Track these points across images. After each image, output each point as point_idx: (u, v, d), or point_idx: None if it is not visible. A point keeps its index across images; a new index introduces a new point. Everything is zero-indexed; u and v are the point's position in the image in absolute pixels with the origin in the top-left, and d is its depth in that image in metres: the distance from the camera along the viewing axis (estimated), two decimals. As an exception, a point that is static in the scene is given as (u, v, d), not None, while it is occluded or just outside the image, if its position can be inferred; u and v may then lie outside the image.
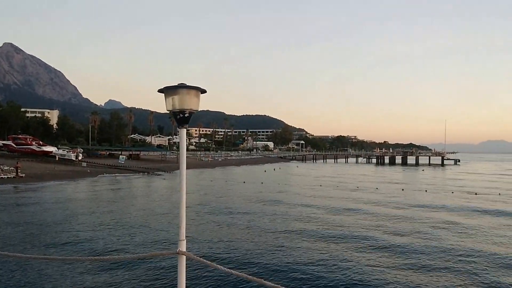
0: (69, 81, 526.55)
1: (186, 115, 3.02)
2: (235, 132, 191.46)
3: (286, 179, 51.13)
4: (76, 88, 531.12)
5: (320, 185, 42.08)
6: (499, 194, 35.70)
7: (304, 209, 25.34)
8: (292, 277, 12.30)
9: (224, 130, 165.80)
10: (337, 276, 12.13)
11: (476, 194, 35.45)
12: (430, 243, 16.33)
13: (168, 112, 3.15)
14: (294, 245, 16.10)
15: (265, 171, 67.36)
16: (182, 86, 3.00)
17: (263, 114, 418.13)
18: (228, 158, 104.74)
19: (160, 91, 3.11)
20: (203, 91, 3.13)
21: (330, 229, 19.34)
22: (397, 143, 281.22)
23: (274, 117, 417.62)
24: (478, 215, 23.85)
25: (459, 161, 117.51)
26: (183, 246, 2.90)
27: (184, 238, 2.94)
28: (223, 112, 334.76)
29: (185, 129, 3.11)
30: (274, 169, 71.94)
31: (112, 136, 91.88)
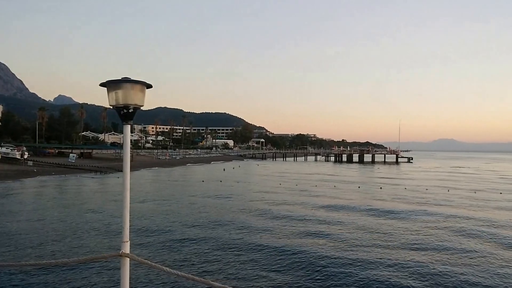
0: (14, 74, 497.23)
1: (130, 111, 2.90)
2: (194, 130, 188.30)
3: (245, 178, 50.23)
4: (22, 82, 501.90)
5: (280, 184, 41.53)
6: (448, 190, 36.89)
7: (258, 205, 24.61)
8: (239, 277, 11.61)
9: (182, 127, 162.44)
10: (285, 274, 11.37)
11: (426, 189, 36.29)
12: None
13: (111, 107, 2.95)
14: (242, 243, 15.38)
15: (224, 169, 66.29)
16: (126, 80, 2.86)
17: (223, 112, 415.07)
18: (187, 156, 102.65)
19: (102, 85, 2.95)
20: (149, 86, 3.00)
21: (281, 224, 18.86)
22: (355, 141, 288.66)
23: (234, 115, 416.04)
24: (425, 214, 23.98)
25: (412, 159, 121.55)
26: (126, 248, 2.80)
27: (128, 240, 2.84)
28: (181, 110, 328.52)
29: (129, 126, 2.98)
30: (234, 168, 70.94)
31: (62, 133, 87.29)
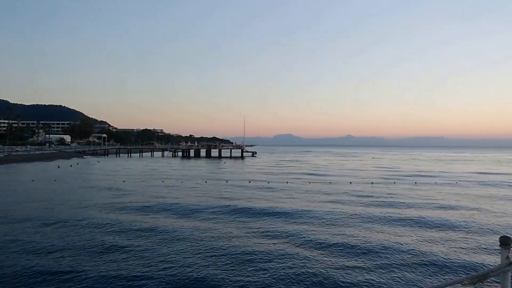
0: None
1: None
2: (23, 124, 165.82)
3: (82, 176, 45.85)
4: None
5: (124, 181, 39.08)
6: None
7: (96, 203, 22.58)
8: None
9: (8, 121, 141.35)
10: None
11: (268, 182, 38.85)
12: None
13: None
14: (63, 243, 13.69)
15: (58, 167, 59.91)
16: None
17: (58, 104, 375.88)
18: (14, 153, 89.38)
19: None
20: None
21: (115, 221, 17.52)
22: (202, 137, 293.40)
23: (72, 108, 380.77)
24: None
25: (256, 153, 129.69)
26: None
27: None
28: (7, 101, 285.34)
29: None
30: (71, 165, 64.56)
31: None
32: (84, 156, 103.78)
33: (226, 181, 39.60)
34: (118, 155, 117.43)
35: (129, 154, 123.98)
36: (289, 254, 13.41)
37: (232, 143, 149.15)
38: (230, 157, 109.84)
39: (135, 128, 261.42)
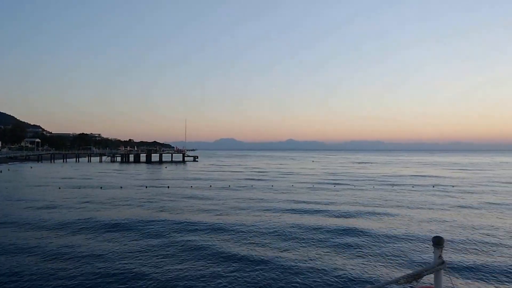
0: None
1: None
2: None
3: (15, 185, 44.09)
4: None
5: (59, 188, 38.21)
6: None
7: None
8: None
9: None
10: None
11: (210, 186, 39.81)
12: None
13: None
14: None
15: (-14, 174, 56.74)
16: None
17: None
18: None
19: None
20: None
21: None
22: (142, 141, 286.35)
23: (2, 111, 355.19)
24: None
25: (197, 157, 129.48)
26: None
27: None
28: None
29: None
30: (1, 171, 61.28)
31: None
32: (16, 162, 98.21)
33: (168, 187, 40.02)
34: (52, 161, 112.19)
35: (65, 160, 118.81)
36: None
37: (173, 147, 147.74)
38: (171, 162, 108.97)
39: (71, 133, 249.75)
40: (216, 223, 20.28)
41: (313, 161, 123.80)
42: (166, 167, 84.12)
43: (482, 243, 16.08)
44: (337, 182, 46.13)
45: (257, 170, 74.24)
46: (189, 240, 16.61)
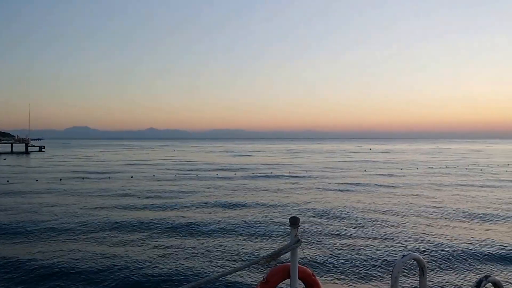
0: None
1: None
2: None
3: None
4: None
5: None
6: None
7: None
8: None
9: None
10: None
11: (60, 179, 36.20)
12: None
13: None
14: None
15: None
16: None
17: None
18: None
19: None
20: None
21: None
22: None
23: None
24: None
25: (44, 147, 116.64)
26: None
27: None
28: None
29: None
30: None
31: None
32: None
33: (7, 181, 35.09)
34: None
35: None
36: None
37: (13, 136, 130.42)
38: (12, 153, 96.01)
39: None
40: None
41: (174, 150, 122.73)
42: (4, 159, 73.47)
43: (334, 219, 17.98)
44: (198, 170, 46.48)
45: (104, 161, 70.32)
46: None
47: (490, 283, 3.38)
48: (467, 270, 11.36)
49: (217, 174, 41.41)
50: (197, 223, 17.44)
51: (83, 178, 37.46)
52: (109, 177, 38.53)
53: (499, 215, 19.21)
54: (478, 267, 11.59)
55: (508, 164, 57.03)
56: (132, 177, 38.80)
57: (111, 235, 15.40)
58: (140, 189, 29.62)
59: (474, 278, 10.48)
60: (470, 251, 13.06)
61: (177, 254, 12.91)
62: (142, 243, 14.31)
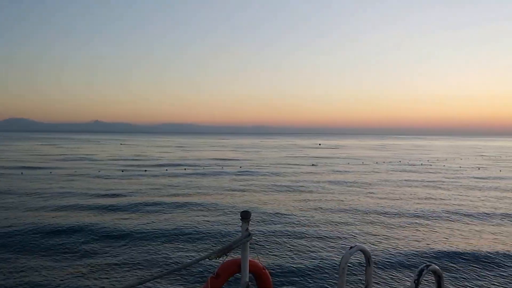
0: None
1: None
2: None
3: None
4: None
5: None
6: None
7: None
8: None
9: None
10: None
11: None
12: None
13: None
14: None
15: None
16: None
17: None
18: None
19: None
20: None
21: None
22: None
23: None
24: None
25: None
26: None
27: None
28: None
29: None
30: None
31: None
32: None
33: None
34: None
35: None
36: None
37: None
38: None
39: None
40: None
41: (121, 144, 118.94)
42: None
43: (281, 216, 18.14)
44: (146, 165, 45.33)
45: (51, 154, 66.90)
46: None
47: (430, 272, 3.54)
48: (409, 261, 11.94)
49: (166, 170, 40.51)
50: (140, 225, 15.87)
51: (21, 173, 35.32)
52: (50, 172, 36.59)
53: (435, 211, 20.29)
54: (420, 259, 12.19)
55: (446, 159, 61.08)
56: (75, 171, 37.14)
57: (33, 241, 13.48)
58: (82, 186, 28.15)
59: (415, 268, 10.98)
60: (412, 244, 13.75)
61: (110, 262, 11.38)
62: (73, 250, 12.62)
